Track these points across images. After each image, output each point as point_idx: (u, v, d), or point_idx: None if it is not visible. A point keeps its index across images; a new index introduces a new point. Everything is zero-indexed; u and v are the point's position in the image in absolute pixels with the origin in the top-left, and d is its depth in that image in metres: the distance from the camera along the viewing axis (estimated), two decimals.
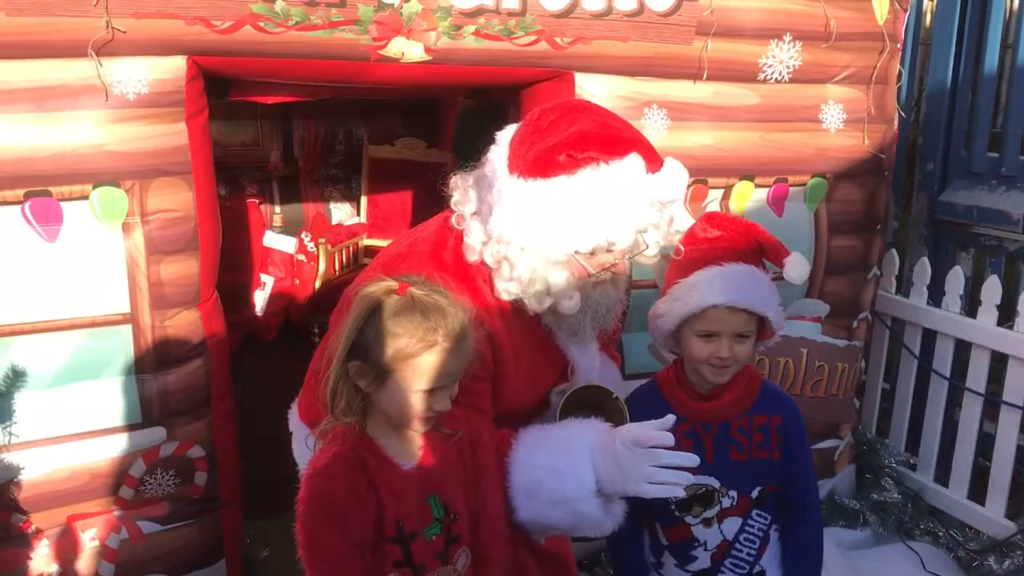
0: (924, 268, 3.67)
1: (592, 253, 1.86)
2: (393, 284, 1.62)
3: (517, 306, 1.95)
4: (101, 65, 2.29)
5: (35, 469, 2.44)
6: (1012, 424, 3.32)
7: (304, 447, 2.09)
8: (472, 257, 1.94)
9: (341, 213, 6.09)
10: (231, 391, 2.73)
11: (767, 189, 3.21)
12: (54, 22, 2.23)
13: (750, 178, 3.17)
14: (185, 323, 2.54)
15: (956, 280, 3.53)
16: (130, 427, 2.52)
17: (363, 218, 5.94)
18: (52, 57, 2.28)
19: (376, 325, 1.59)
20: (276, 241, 5.78)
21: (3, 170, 2.26)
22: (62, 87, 2.30)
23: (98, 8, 2.24)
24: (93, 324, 2.42)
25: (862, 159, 3.31)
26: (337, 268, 5.56)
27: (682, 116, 3.01)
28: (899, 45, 3.34)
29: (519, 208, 1.83)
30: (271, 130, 5.78)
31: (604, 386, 2.04)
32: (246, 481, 2.89)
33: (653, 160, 1.88)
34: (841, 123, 3.24)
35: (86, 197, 2.36)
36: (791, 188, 3.24)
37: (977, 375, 3.45)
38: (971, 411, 3.49)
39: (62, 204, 2.34)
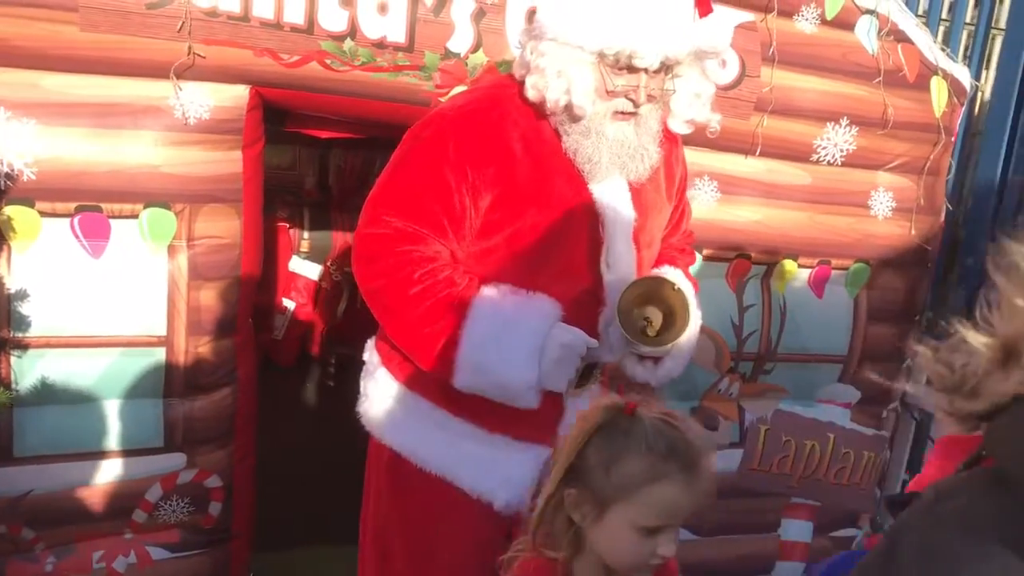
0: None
1: (617, 64, 1.87)
2: (620, 402, 1.51)
3: (544, 128, 1.97)
4: (181, 89, 2.30)
5: (50, 484, 2.40)
6: None
7: (371, 379, 2.18)
8: (519, 72, 1.97)
9: None
10: (255, 423, 2.69)
11: (810, 270, 3.18)
12: (127, 40, 2.24)
13: (794, 257, 3.14)
14: (219, 351, 2.51)
15: None
16: (151, 451, 2.49)
17: None
18: (118, 75, 2.29)
19: (600, 448, 1.46)
20: (301, 267, 5.77)
21: (57, 182, 2.26)
22: (125, 105, 2.30)
23: (179, 32, 2.25)
24: (128, 344, 2.39)
25: (907, 248, 3.28)
26: (360, 299, 5.54)
27: (732, 189, 2.99)
28: (953, 138, 3.33)
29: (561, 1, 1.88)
30: (308, 156, 5.80)
31: (664, 277, 2.05)
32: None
33: (702, 2, 1.92)
34: (890, 211, 3.22)
35: (136, 216, 2.35)
36: (833, 271, 3.21)
37: None
38: None
39: (111, 221, 2.34)
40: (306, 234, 5.97)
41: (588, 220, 2.02)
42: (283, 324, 5.54)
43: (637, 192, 2.06)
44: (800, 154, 3.05)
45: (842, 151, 3.08)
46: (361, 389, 2.22)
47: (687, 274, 2.25)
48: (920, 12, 3.33)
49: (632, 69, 1.88)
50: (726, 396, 3.15)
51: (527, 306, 1.91)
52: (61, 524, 2.44)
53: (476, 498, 2.07)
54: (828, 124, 3.03)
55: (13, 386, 2.29)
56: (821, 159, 3.07)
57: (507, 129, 1.95)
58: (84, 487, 2.44)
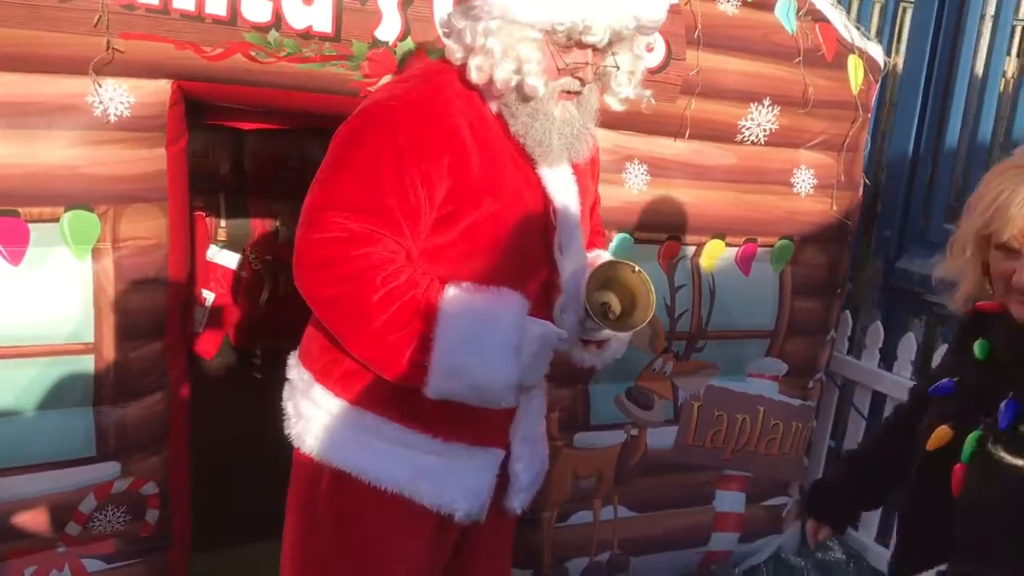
0: (877, 332, 3.75)
1: (567, 41, 1.84)
2: None
3: (487, 114, 1.93)
4: (100, 86, 2.20)
5: None
6: None
7: (304, 398, 2.05)
8: (456, 57, 1.91)
9: (290, 231, 5.97)
10: (188, 426, 2.63)
11: (736, 248, 3.24)
12: (39, 36, 2.13)
13: (722, 237, 3.19)
14: (149, 355, 2.44)
15: (908, 346, 3.62)
16: (83, 461, 2.40)
17: None
18: (30, 72, 2.18)
19: None
20: (220, 256, 5.62)
21: None
22: (40, 104, 2.19)
23: (95, 27, 2.15)
24: (54, 352, 2.30)
25: (829, 224, 3.37)
26: (283, 288, 5.44)
27: (662, 172, 3.02)
28: (869, 115, 3.42)
29: None
30: (222, 141, 5.63)
31: (626, 262, 2.04)
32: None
33: None
34: (811, 188, 3.30)
35: (56, 220, 2.25)
36: (759, 249, 3.28)
37: None
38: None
39: (29, 225, 2.23)
40: (223, 222, 5.81)
41: (539, 206, 1.98)
42: (203, 316, 5.40)
43: (578, 174, 2.06)
44: (725, 135, 3.10)
45: (765, 131, 3.14)
46: (290, 410, 2.09)
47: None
48: None
49: (580, 46, 1.86)
50: (660, 375, 3.20)
51: (498, 303, 1.84)
52: None
53: (435, 511, 2.00)
54: (752, 105, 3.08)
55: None
56: (745, 139, 3.13)
57: (454, 116, 1.88)
58: (13, 503, 2.34)
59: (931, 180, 3.97)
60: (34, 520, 2.38)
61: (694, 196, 3.09)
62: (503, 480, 2.11)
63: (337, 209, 1.79)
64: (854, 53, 3.25)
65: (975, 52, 3.91)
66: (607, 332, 2.06)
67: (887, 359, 3.70)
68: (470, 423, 1.97)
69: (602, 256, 2.18)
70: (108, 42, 2.17)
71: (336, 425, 1.99)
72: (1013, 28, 4.77)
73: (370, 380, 1.95)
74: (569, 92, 1.92)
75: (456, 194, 1.87)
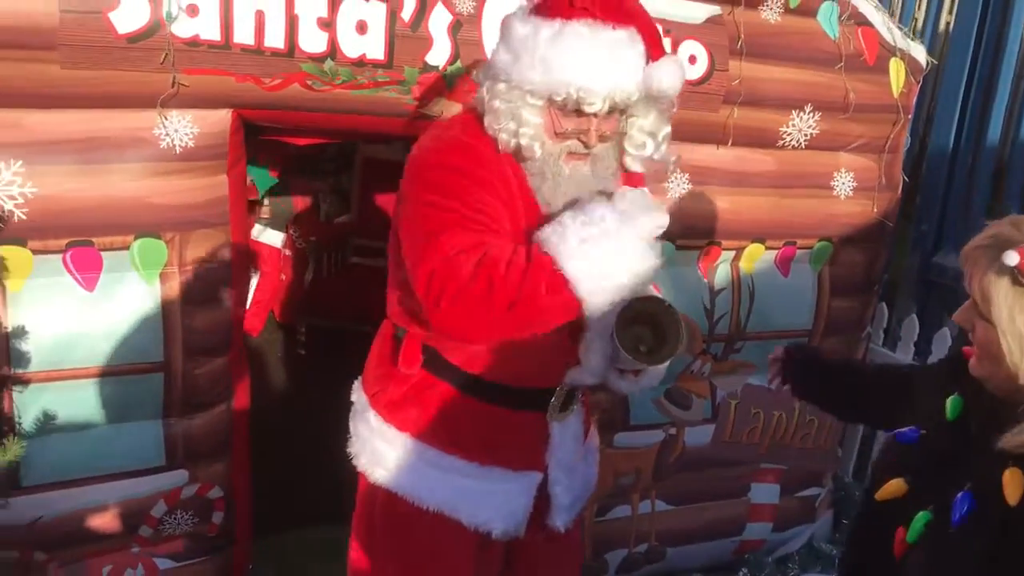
0: (913, 325, 3.81)
1: (565, 108, 1.87)
2: None
3: (512, 166, 1.96)
4: (167, 119, 2.30)
5: (58, 509, 2.45)
6: None
7: (360, 420, 2.18)
8: (479, 108, 1.98)
9: (330, 208, 6.07)
10: (249, 433, 2.77)
11: (776, 251, 3.30)
12: (108, 75, 2.23)
13: (761, 240, 3.26)
14: (214, 370, 2.57)
15: (943, 340, 3.67)
16: (154, 470, 2.56)
17: (353, 216, 5.93)
18: (102, 108, 2.28)
19: None
20: (264, 235, 5.74)
21: (48, 220, 2.27)
22: (110, 138, 2.30)
23: (162, 64, 2.25)
24: (126, 372, 2.44)
25: (868, 225, 3.41)
26: (326, 268, 5.56)
27: (703, 180, 3.08)
28: (910, 116, 3.44)
29: (513, 42, 1.89)
30: None
31: (655, 295, 2.06)
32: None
33: (653, 45, 1.92)
34: (851, 190, 3.34)
35: (127, 247, 2.37)
36: (798, 250, 3.34)
37: None
38: None
39: (102, 253, 2.35)
40: (266, 200, 5.93)
41: None
42: (249, 294, 5.55)
43: None
44: (766, 141, 3.15)
45: (806, 136, 3.18)
46: (352, 430, 2.23)
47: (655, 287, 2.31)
48: None
49: (582, 112, 1.88)
50: (698, 375, 3.29)
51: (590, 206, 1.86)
52: (70, 545, 2.50)
53: (474, 530, 2.12)
54: (793, 111, 3.12)
55: (16, 420, 2.33)
56: (786, 144, 3.17)
57: (490, 163, 1.95)
58: (91, 509, 2.49)
59: (970, 176, 3.98)
60: (110, 524, 2.54)
61: (734, 202, 3.15)
62: (545, 500, 2.22)
63: (445, 232, 1.82)
64: (896, 56, 3.27)
65: (1019, 49, 3.89)
66: (645, 366, 2.13)
67: (922, 352, 3.76)
68: (506, 449, 2.11)
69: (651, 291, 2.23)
70: (174, 78, 2.27)
71: (385, 448, 2.14)
72: None
73: (412, 409, 2.10)
74: (577, 153, 1.94)
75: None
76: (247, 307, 5.60)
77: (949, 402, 1.65)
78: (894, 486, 1.66)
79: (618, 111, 1.92)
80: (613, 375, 2.16)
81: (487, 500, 2.12)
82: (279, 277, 5.68)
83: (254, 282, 5.68)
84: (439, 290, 1.78)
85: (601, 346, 2.07)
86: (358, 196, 5.88)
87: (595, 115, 1.88)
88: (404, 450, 2.12)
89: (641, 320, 2.11)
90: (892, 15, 3.51)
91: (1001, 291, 1.43)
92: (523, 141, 1.89)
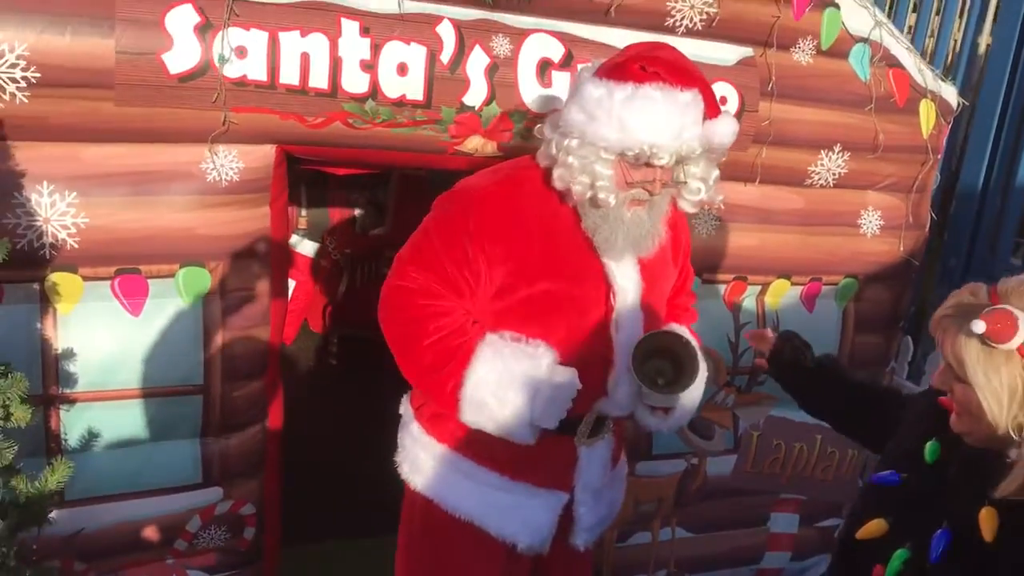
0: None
1: (636, 162, 2.05)
2: None
3: (562, 209, 2.18)
4: (217, 156, 2.42)
5: (99, 522, 2.56)
6: None
7: (406, 431, 2.41)
8: (543, 161, 2.18)
9: (365, 221, 6.18)
10: (281, 452, 2.87)
11: (801, 287, 3.35)
12: (160, 112, 2.34)
13: (787, 276, 3.31)
14: (250, 393, 2.67)
15: None
16: (191, 487, 2.66)
17: (388, 228, 6.02)
18: (152, 143, 2.39)
19: None
20: (301, 245, 5.86)
21: (99, 249, 2.37)
22: (160, 172, 2.41)
23: (213, 102, 2.35)
24: (168, 393, 2.54)
25: (894, 263, 3.45)
26: (360, 280, 5.67)
27: (731, 217, 3.14)
28: (939, 156, 3.47)
29: (587, 103, 2.06)
30: None
31: (676, 332, 2.26)
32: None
33: (711, 106, 2.11)
34: (878, 229, 3.39)
35: (172, 275, 2.48)
36: (824, 287, 3.39)
37: None
38: None
39: (148, 280, 2.46)
40: (303, 211, 6.05)
41: (600, 289, 2.23)
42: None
43: (645, 263, 2.26)
44: (795, 180, 3.20)
45: (834, 175, 3.23)
46: (399, 440, 2.44)
47: (691, 332, 2.42)
48: (906, 28, 3.42)
49: (649, 164, 2.07)
50: (722, 406, 3.35)
51: (523, 352, 2.13)
52: (109, 556, 2.60)
53: (501, 541, 2.30)
54: (822, 151, 3.17)
55: (63, 437, 2.44)
56: (814, 183, 3.22)
57: (524, 209, 2.18)
58: (130, 523, 2.60)
59: (1000, 213, 4.00)
60: (148, 537, 2.64)
61: (761, 238, 3.21)
62: (569, 519, 2.38)
63: (415, 265, 2.17)
64: (926, 97, 3.30)
65: None
66: (663, 398, 2.24)
67: None
68: (535, 466, 2.27)
69: (674, 328, 2.36)
70: (225, 117, 2.37)
71: (425, 458, 2.34)
72: None
73: (452, 423, 2.26)
74: (640, 200, 2.13)
75: (516, 271, 2.16)
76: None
77: (928, 447, 1.74)
78: (875, 526, 1.74)
79: (679, 162, 2.10)
80: (643, 411, 2.32)
81: (514, 513, 2.28)
82: (312, 287, 5.81)
83: (289, 291, 5.80)
84: (383, 308, 2.20)
85: (628, 380, 2.23)
86: (394, 210, 5.99)
87: (661, 167, 2.07)
88: (441, 460, 2.31)
89: (661, 354, 2.23)
90: (931, 35, 3.52)
91: (972, 354, 1.51)
92: (600, 194, 2.09)
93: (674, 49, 2.19)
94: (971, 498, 1.57)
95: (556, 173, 2.12)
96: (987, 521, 1.54)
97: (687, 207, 2.24)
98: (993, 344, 1.47)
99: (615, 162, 2.07)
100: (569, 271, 2.19)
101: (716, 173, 2.21)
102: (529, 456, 2.22)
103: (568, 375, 2.15)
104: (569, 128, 2.09)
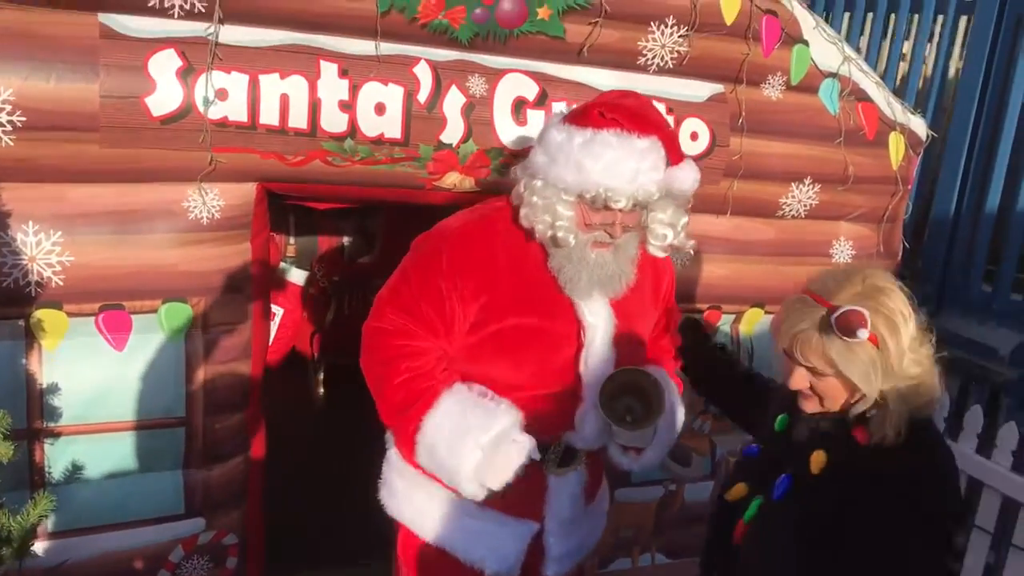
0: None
1: (594, 204, 2.12)
2: None
3: (532, 248, 2.23)
4: (207, 193, 2.49)
5: (83, 553, 2.60)
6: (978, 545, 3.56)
7: (387, 458, 2.45)
8: (515, 201, 2.24)
9: (353, 249, 6.24)
10: (264, 482, 2.92)
11: (774, 315, 3.41)
12: (143, 153, 2.41)
13: (761, 305, 3.38)
14: (232, 425, 2.72)
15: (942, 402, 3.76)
16: (173, 517, 2.71)
17: (376, 256, 6.08)
18: (135, 182, 2.45)
19: None
20: (289, 273, 5.92)
21: (83, 286, 2.44)
22: (143, 211, 2.47)
23: (200, 143, 2.43)
24: (151, 426, 2.60)
25: None
26: (348, 308, 5.72)
27: (704, 248, 3.20)
28: (909, 186, 3.55)
29: (550, 146, 2.15)
30: None
31: (644, 369, 2.28)
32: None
33: (673, 153, 2.19)
34: (849, 258, 3.46)
35: (155, 311, 2.54)
36: None
37: None
38: None
39: (132, 316, 2.52)
40: (292, 239, 6.12)
41: (571, 325, 2.27)
42: (272, 330, 5.71)
43: (618, 302, 2.30)
44: (766, 211, 3.28)
45: (805, 207, 3.31)
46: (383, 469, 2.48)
47: (672, 375, 2.49)
48: (879, 67, 3.51)
49: (608, 207, 2.13)
50: (699, 433, 3.41)
51: (484, 406, 2.17)
52: None
53: (470, 566, 2.35)
54: (793, 184, 3.25)
55: (47, 471, 2.49)
56: (785, 214, 3.29)
57: (495, 246, 2.24)
58: (113, 554, 2.64)
59: (971, 241, 4.09)
60: (131, 568, 2.69)
61: (734, 269, 3.28)
62: (540, 548, 2.41)
63: (392, 306, 2.23)
64: (895, 130, 3.38)
65: (1019, 119, 4.00)
66: (631, 436, 2.28)
67: None
68: (503, 494, 2.25)
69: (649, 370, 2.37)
70: (212, 158, 2.44)
71: (400, 483, 2.40)
72: None
73: None
74: (602, 243, 2.19)
75: (487, 306, 2.21)
76: (269, 343, 5.77)
77: (778, 419, 2.04)
78: (738, 489, 2.03)
79: (640, 206, 2.16)
80: (615, 450, 2.37)
81: (481, 539, 2.33)
82: (300, 314, 5.85)
83: (277, 319, 5.86)
84: (364, 349, 2.27)
85: (595, 416, 2.28)
86: (382, 238, 6.05)
87: (620, 210, 2.13)
88: (413, 485, 2.36)
89: (631, 392, 2.27)
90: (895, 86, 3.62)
91: (836, 351, 1.73)
92: (559, 233, 2.15)
93: (640, 97, 2.27)
94: (805, 447, 1.88)
95: (522, 212, 2.19)
96: (816, 460, 1.85)
97: (655, 252, 2.30)
98: (852, 339, 1.71)
99: (575, 203, 2.14)
100: (539, 307, 2.24)
101: (685, 219, 2.27)
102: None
103: (522, 443, 2.17)
104: (534, 169, 2.17)
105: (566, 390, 2.29)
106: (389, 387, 2.19)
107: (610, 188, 2.08)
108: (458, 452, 2.12)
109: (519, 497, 2.30)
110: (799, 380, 1.83)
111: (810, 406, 1.87)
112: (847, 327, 1.70)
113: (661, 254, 2.31)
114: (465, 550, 2.34)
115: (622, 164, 2.08)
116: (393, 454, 2.44)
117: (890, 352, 1.73)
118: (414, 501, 2.38)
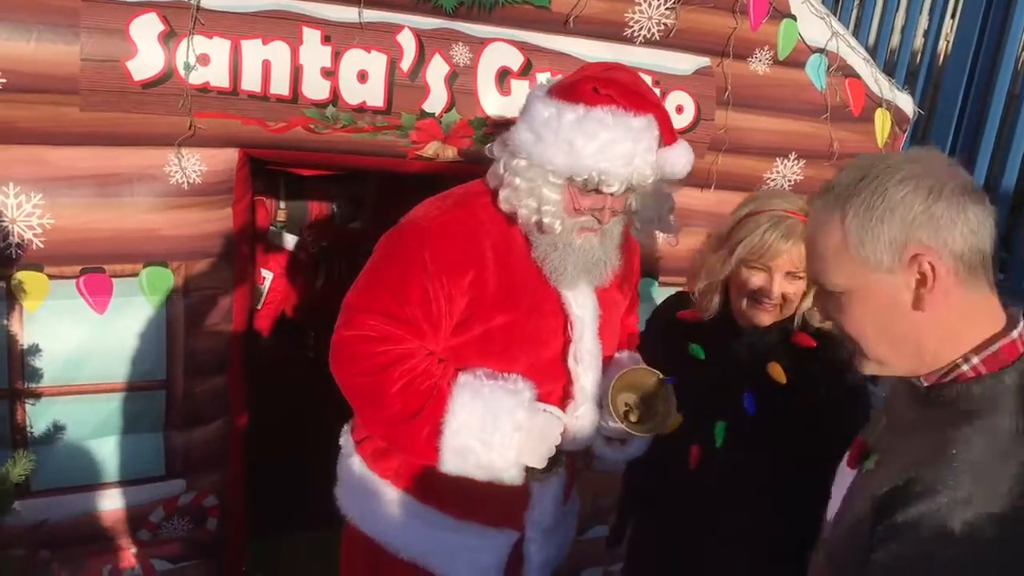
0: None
1: (585, 187, 1.99)
2: None
3: (515, 237, 2.10)
4: (183, 157, 2.49)
5: (64, 512, 2.64)
6: None
7: (345, 464, 2.31)
8: (492, 182, 2.10)
9: (343, 214, 6.23)
10: (244, 445, 2.95)
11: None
12: (124, 117, 2.41)
13: None
14: (213, 388, 2.75)
15: None
16: (154, 479, 2.74)
17: (366, 222, 6.09)
18: (116, 146, 2.46)
19: None
20: (279, 238, 5.91)
21: (64, 248, 2.45)
22: (124, 174, 2.48)
23: (180, 108, 2.42)
24: (132, 388, 2.62)
25: None
26: (338, 273, 5.73)
27: (686, 221, 3.20)
28: None
29: (536, 122, 1.99)
30: None
31: (651, 369, 2.16)
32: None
33: (667, 132, 2.05)
34: None
35: (136, 274, 2.55)
36: None
37: None
38: None
39: (113, 279, 2.53)
40: (282, 204, 6.10)
41: (558, 320, 2.16)
42: (261, 295, 5.73)
43: (601, 292, 2.21)
44: (750, 186, 3.27)
45: (790, 182, 3.31)
46: (338, 473, 2.35)
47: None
48: (870, 40, 3.50)
49: (598, 191, 2.00)
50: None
51: (503, 391, 2.02)
52: (74, 545, 2.69)
53: None
54: (777, 159, 3.26)
55: (28, 430, 2.52)
56: (770, 188, 3.30)
57: (480, 239, 2.08)
58: (94, 514, 2.69)
59: None
60: (112, 527, 2.73)
61: None
62: (519, 557, 2.31)
63: (368, 312, 2.04)
64: (882, 106, 3.39)
65: (1007, 97, 4.00)
66: (625, 431, 2.17)
67: None
68: (483, 505, 2.18)
69: (623, 357, 2.33)
70: (191, 122, 2.44)
71: (368, 495, 2.26)
72: None
73: (396, 460, 2.21)
74: (589, 228, 2.08)
75: (473, 306, 2.07)
76: (259, 308, 5.79)
77: (693, 348, 2.20)
78: (676, 419, 2.14)
79: (631, 190, 2.05)
80: (599, 442, 2.25)
81: (460, 554, 2.21)
82: (290, 279, 5.86)
83: (267, 283, 5.86)
84: (337, 361, 2.06)
85: (592, 411, 2.18)
86: (372, 204, 6.05)
87: (611, 194, 2.01)
88: (384, 499, 2.23)
89: (635, 390, 2.19)
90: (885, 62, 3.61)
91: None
92: (545, 219, 2.02)
93: (631, 71, 2.13)
94: (754, 363, 2.05)
95: (502, 195, 2.04)
96: (775, 371, 2.05)
97: (641, 236, 2.21)
98: None
99: (563, 187, 1.99)
100: (526, 303, 2.11)
101: (671, 203, 2.17)
102: (478, 494, 2.11)
103: (551, 410, 2.06)
104: (517, 148, 2.01)
105: (555, 389, 2.17)
106: (384, 398, 2.00)
107: (604, 171, 1.94)
108: (496, 442, 1.98)
109: (499, 506, 2.20)
110: (781, 286, 2.06)
111: (768, 318, 2.05)
112: None
113: (645, 239, 2.22)
114: (443, 565, 2.21)
115: (618, 145, 1.93)
116: (356, 462, 2.28)
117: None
118: (388, 517, 2.23)
